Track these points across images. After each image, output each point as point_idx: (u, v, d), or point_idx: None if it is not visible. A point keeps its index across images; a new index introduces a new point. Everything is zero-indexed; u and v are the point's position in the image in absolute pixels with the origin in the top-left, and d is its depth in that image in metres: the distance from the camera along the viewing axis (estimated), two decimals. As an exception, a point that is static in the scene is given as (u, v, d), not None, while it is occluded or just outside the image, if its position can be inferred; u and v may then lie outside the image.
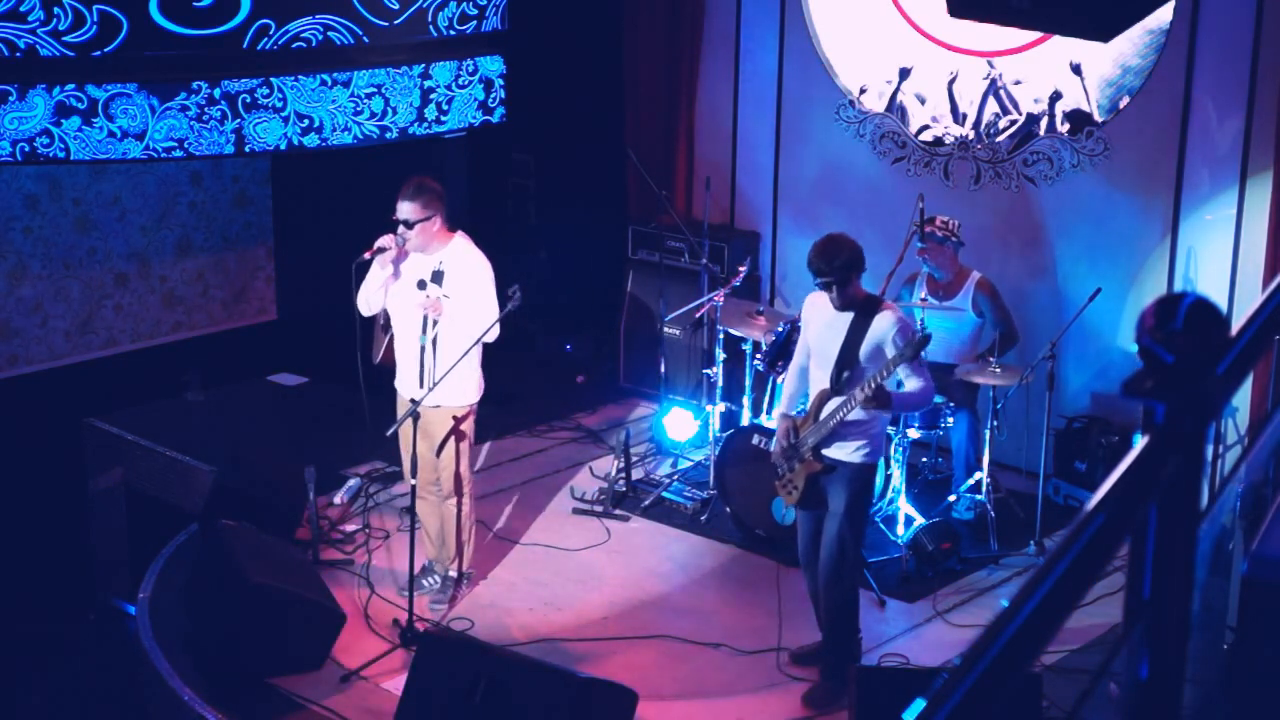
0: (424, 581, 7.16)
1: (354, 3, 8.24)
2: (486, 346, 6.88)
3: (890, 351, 6.03)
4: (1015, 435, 8.16)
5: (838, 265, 6.04)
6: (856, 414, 6.11)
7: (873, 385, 5.96)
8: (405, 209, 6.63)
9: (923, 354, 6.15)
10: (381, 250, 6.68)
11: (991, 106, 8.64)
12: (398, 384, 6.97)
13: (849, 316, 6.15)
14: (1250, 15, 7.64)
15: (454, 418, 6.79)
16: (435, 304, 6.64)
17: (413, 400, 6.75)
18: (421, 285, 6.69)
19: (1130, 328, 8.06)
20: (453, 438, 6.82)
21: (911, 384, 6.08)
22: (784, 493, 6.49)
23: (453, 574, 7.16)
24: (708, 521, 7.99)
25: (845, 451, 6.23)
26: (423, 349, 6.76)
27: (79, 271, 9.70)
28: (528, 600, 7.22)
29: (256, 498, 7.36)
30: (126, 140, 7.80)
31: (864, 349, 6.11)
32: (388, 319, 7.59)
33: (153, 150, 7.89)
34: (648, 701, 5.86)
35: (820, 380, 6.27)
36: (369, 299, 6.88)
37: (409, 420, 6.73)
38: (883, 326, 6.08)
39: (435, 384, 6.67)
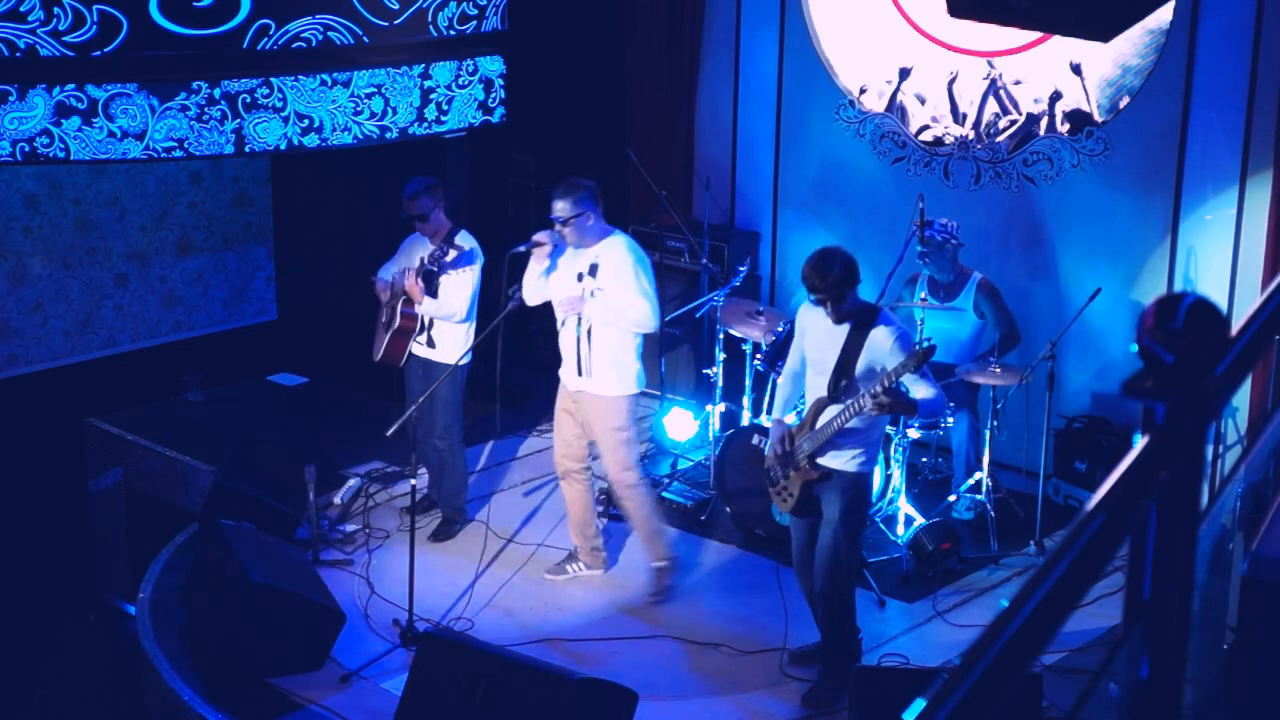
0: (568, 567, 7.38)
1: (354, 3, 8.24)
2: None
3: (890, 363, 6.01)
4: (1015, 435, 8.16)
5: (831, 281, 6.02)
6: (853, 422, 6.11)
7: (883, 388, 5.90)
8: (558, 207, 6.90)
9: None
10: (537, 245, 6.92)
11: (991, 106, 8.64)
12: (561, 373, 7.18)
13: (845, 327, 6.14)
14: (1250, 15, 7.64)
15: (607, 407, 6.95)
16: (575, 302, 6.86)
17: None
18: (580, 278, 6.91)
19: (1130, 328, 8.06)
20: (610, 431, 7.01)
21: (921, 392, 6.04)
22: (779, 500, 6.48)
23: (655, 565, 7.25)
24: (708, 521, 7.99)
25: (841, 460, 6.22)
26: (578, 339, 6.94)
27: (79, 271, 9.70)
28: (528, 600, 7.22)
29: (256, 498, 7.36)
30: (126, 140, 7.80)
31: (861, 360, 6.09)
32: (390, 316, 7.60)
33: (153, 150, 7.89)
34: (648, 701, 5.85)
35: (817, 388, 6.25)
36: (531, 291, 7.10)
37: (566, 403, 7.05)
38: (880, 338, 6.06)
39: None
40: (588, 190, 6.90)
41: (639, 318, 6.88)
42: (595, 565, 7.41)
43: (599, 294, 6.89)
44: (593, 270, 6.91)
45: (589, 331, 6.93)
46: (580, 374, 7.01)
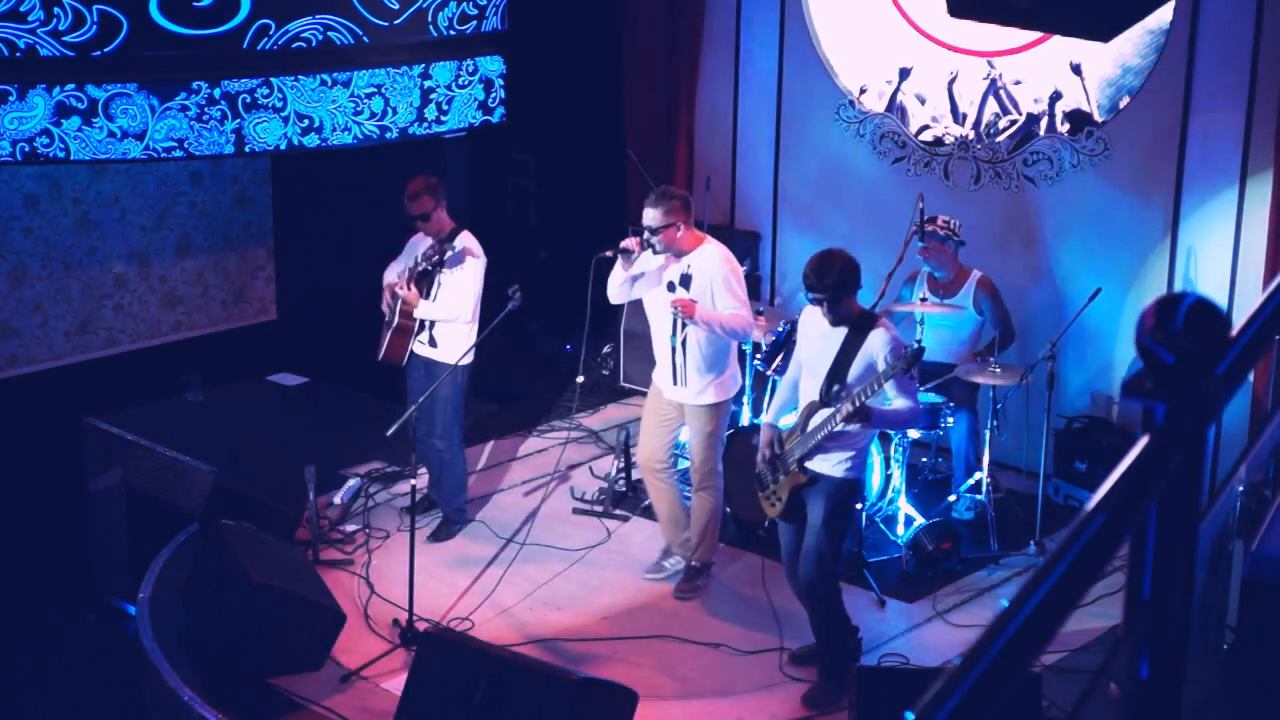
0: (664, 564, 7.43)
1: (354, 3, 8.24)
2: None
3: (882, 369, 6.05)
4: (1015, 435, 8.16)
5: (830, 283, 6.06)
6: (843, 427, 6.12)
7: (858, 401, 5.97)
8: (648, 216, 6.91)
9: (914, 369, 6.15)
10: (626, 252, 6.94)
11: (991, 106, 8.64)
12: (655, 377, 7.25)
13: (843, 331, 6.16)
14: (1250, 15, 7.64)
15: (702, 415, 7.04)
16: (687, 304, 6.85)
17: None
18: (671, 288, 6.96)
19: (1130, 328, 8.05)
20: (704, 436, 7.09)
21: (899, 403, 6.08)
22: (767, 504, 6.50)
23: (695, 564, 7.29)
24: (708, 521, 7.98)
25: (828, 465, 6.24)
26: (674, 349, 7.00)
27: (79, 271, 9.70)
28: (528, 600, 7.22)
29: (256, 498, 7.36)
30: (126, 140, 7.80)
31: (855, 365, 6.12)
32: (390, 316, 7.60)
33: (153, 150, 7.89)
34: (648, 701, 5.85)
35: (810, 392, 6.27)
36: (615, 292, 7.15)
37: (657, 405, 7.13)
38: (875, 345, 6.09)
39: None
40: (679, 200, 6.93)
41: (733, 327, 6.90)
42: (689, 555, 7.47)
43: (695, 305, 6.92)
44: (685, 281, 6.94)
45: (684, 342, 6.96)
46: (676, 383, 7.06)
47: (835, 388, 6.15)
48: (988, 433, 7.69)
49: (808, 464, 6.25)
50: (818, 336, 6.25)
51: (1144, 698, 1.63)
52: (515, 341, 9.93)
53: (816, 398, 6.21)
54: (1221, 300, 7.74)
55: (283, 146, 8.26)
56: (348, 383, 9.44)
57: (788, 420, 6.52)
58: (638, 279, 7.05)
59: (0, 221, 9.30)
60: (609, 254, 7.00)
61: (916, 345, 6.17)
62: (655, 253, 6.93)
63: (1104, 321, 8.24)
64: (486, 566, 7.52)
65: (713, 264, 6.92)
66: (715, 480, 7.20)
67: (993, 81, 8.62)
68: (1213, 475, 7.28)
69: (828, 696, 6.33)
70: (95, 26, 7.56)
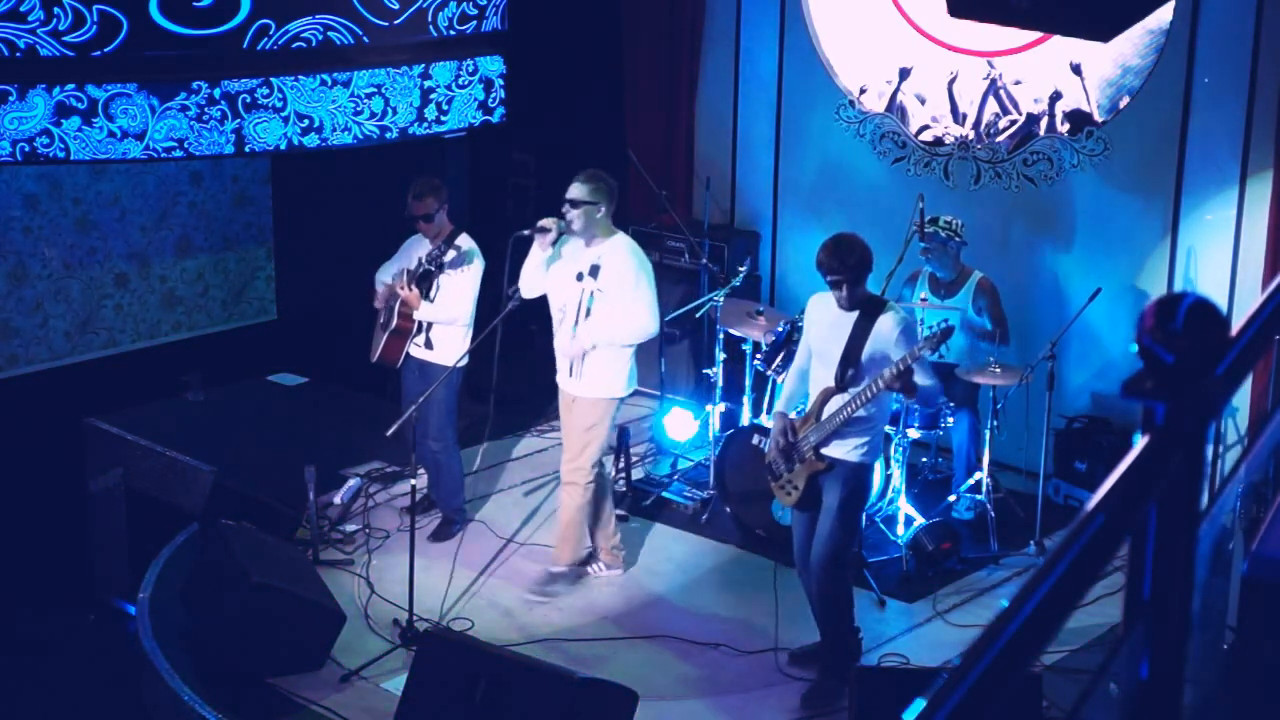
0: (588, 569, 7.42)
1: (354, 3, 8.23)
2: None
3: (894, 353, 6.06)
4: (1015, 435, 8.16)
5: (850, 264, 6.08)
6: (859, 411, 6.13)
7: (901, 367, 5.93)
8: (574, 189, 6.93)
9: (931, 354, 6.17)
10: (544, 230, 6.92)
11: (991, 106, 8.64)
12: (557, 374, 7.25)
13: (853, 316, 6.17)
14: (1250, 15, 7.64)
15: (588, 408, 7.01)
16: (573, 348, 6.93)
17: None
18: (579, 278, 6.94)
19: (1130, 328, 8.05)
20: (580, 430, 7.06)
21: (921, 379, 6.10)
22: (782, 494, 6.48)
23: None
24: (708, 521, 7.99)
25: (844, 450, 6.24)
26: (572, 339, 6.98)
27: (79, 271, 9.70)
28: (528, 600, 7.22)
29: (256, 498, 7.35)
30: (126, 140, 7.79)
31: (867, 349, 6.13)
32: (388, 318, 7.60)
33: (153, 150, 7.89)
34: (648, 701, 5.85)
35: (823, 379, 6.27)
36: (529, 280, 7.12)
37: (567, 404, 7.08)
38: (886, 328, 6.10)
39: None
40: (607, 185, 6.95)
41: (636, 325, 6.90)
42: (615, 565, 7.42)
43: (599, 295, 6.90)
44: (594, 271, 6.93)
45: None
46: (570, 374, 7.04)
47: (850, 372, 6.16)
48: (988, 433, 7.69)
49: (824, 450, 6.26)
50: (828, 323, 6.25)
51: (1144, 698, 1.63)
52: (515, 341, 9.92)
53: (831, 384, 6.22)
54: (1221, 300, 7.74)
55: (283, 146, 8.26)
56: (348, 383, 9.44)
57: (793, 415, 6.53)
58: (552, 265, 7.03)
59: (0, 221, 9.30)
60: (526, 233, 7.02)
61: (944, 324, 6.19)
62: (572, 230, 6.90)
63: (1104, 321, 8.24)
64: (486, 566, 7.52)
65: (623, 257, 6.92)
66: (584, 478, 7.09)
67: (993, 81, 8.62)
68: (1213, 475, 7.28)
69: (828, 696, 6.33)
70: (95, 26, 7.55)
